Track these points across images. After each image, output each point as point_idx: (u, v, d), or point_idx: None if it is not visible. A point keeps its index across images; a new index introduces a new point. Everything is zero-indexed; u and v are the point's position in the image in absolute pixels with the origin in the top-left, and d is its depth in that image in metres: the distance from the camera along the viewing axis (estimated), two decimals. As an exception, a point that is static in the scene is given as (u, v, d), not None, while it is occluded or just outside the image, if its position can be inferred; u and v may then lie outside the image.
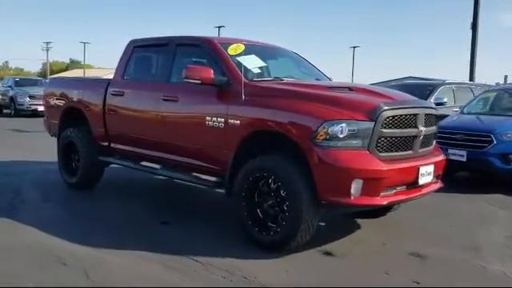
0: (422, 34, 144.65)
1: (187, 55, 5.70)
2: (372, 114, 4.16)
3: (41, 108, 21.19)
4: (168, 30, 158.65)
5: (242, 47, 5.11)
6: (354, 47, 55.39)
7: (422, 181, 4.51)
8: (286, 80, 5.17)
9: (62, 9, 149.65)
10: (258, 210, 4.56)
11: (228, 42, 5.31)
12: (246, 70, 4.96)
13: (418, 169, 4.45)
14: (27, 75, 66.70)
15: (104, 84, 6.30)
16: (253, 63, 5.14)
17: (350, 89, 4.73)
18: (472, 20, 13.63)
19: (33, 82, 23.60)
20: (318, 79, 5.71)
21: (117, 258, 4.16)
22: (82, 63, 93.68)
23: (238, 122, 4.65)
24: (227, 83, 4.87)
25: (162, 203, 6.33)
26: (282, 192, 4.35)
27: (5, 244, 4.49)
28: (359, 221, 5.43)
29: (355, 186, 4.03)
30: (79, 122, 6.72)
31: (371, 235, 5.00)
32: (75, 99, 6.69)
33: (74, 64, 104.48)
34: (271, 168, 4.35)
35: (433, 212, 5.99)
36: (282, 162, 4.30)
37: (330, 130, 4.06)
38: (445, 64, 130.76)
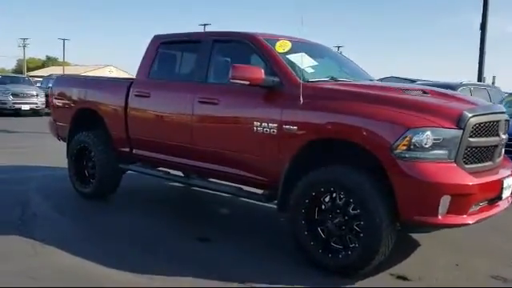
0: (408, 33, 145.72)
1: (227, 53, 5.12)
2: (460, 120, 3.66)
3: (25, 107, 20.48)
4: (148, 29, 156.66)
5: (289, 44, 4.58)
6: (338, 47, 55.15)
7: (504, 195, 4.04)
8: (344, 81, 4.64)
9: (37, 5, 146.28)
10: (319, 229, 4.02)
11: (272, 38, 4.76)
12: (299, 69, 4.41)
13: (502, 182, 3.97)
14: (1, 72, 64.77)
15: (125, 84, 5.68)
16: (304, 62, 4.60)
17: (424, 91, 4.22)
18: (481, 21, 13.34)
19: (15, 80, 22.63)
20: (371, 80, 5.19)
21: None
22: (59, 60, 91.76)
23: (296, 127, 4.10)
24: (279, 84, 4.32)
25: (191, 215, 5.73)
26: (351, 209, 3.82)
27: (31, 270, 3.86)
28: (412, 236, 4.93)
29: (443, 204, 3.53)
30: (94, 125, 6.09)
31: (437, 255, 4.51)
32: (91, 100, 6.05)
33: (50, 61, 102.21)
34: (341, 182, 3.81)
35: (488, 225, 5.51)
36: (355, 175, 3.76)
37: (414, 139, 3.54)
38: (430, 63, 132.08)
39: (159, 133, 5.28)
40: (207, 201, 6.44)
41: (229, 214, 5.85)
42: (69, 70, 66.16)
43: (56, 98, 6.63)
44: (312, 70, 4.60)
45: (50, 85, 21.21)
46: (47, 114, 20.76)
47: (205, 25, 43.92)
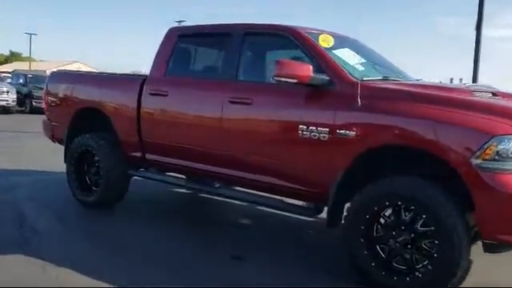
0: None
1: (261, 47, 4.61)
2: (548, 127, 3.24)
3: (-5, 104, 19.33)
4: (117, 25, 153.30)
5: (331, 38, 4.10)
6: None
7: None
8: (397, 80, 4.20)
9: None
10: (378, 248, 3.55)
11: (312, 32, 4.28)
12: (350, 66, 3.95)
13: None
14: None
15: (138, 81, 5.09)
16: (352, 59, 4.13)
17: (494, 93, 3.81)
18: (477, 21, 13.18)
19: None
20: (418, 79, 4.75)
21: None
22: (23, 55, 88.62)
23: (354, 133, 3.61)
24: (329, 83, 3.83)
25: (212, 227, 5.17)
26: (419, 225, 3.37)
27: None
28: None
29: (533, 221, 3.11)
30: (99, 127, 5.48)
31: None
32: (95, 99, 5.42)
33: (14, 56, 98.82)
34: (413, 195, 3.34)
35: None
36: (429, 188, 3.31)
37: (500, 147, 3.11)
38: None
39: (179, 136, 4.72)
40: (220, 209, 5.90)
41: (251, 225, 5.34)
42: (35, 66, 63.91)
43: (52, 96, 5.97)
44: (362, 68, 4.14)
45: (21, 81, 20.39)
46: (18, 112, 20.03)
47: (180, 21, 42.92)
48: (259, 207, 5.26)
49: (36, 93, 20.64)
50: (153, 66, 5.04)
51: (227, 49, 4.53)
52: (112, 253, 4.22)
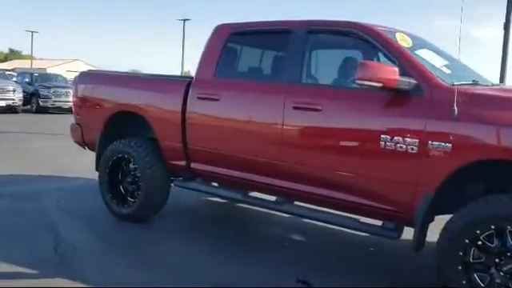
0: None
1: (328, 47, 4.20)
2: None
3: (1, 103, 18.81)
4: (117, 23, 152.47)
5: (409, 38, 3.66)
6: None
7: None
8: (486, 85, 3.76)
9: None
10: (476, 276, 3.12)
11: (388, 30, 3.83)
12: (436, 69, 3.51)
13: None
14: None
15: (182, 84, 4.65)
16: (435, 61, 3.68)
17: None
18: (505, 20, 12.78)
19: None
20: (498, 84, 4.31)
21: None
22: (23, 53, 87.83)
23: (449, 145, 3.17)
24: (416, 88, 3.38)
25: (262, 242, 4.72)
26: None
27: None
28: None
29: None
30: (137, 132, 5.04)
31: None
32: (133, 102, 4.97)
33: (13, 54, 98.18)
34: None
35: None
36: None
37: None
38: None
39: (231, 144, 4.28)
40: (263, 220, 5.45)
41: (307, 242, 4.89)
42: (35, 64, 63.30)
43: (82, 98, 5.51)
44: (448, 71, 3.68)
45: (27, 79, 19.88)
46: (25, 112, 19.53)
47: (185, 20, 42.51)
48: (305, 220, 4.79)
49: (43, 92, 20.20)
50: (199, 67, 4.59)
51: (288, 48, 4.08)
52: (157, 272, 3.80)
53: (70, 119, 16.03)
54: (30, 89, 20.61)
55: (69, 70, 52.94)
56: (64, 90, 20.64)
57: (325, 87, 3.92)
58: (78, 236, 4.59)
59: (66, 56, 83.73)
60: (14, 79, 21.77)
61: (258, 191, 4.36)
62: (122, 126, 5.20)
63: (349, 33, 3.86)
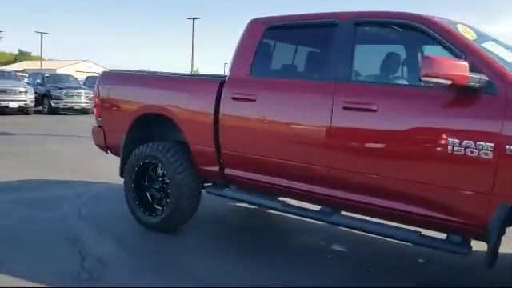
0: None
1: (380, 41, 3.81)
2: None
3: (12, 104, 18.54)
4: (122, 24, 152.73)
5: (471, 30, 3.28)
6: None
7: None
8: None
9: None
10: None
11: (449, 21, 3.45)
12: (508, 64, 3.13)
13: None
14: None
15: (215, 83, 4.29)
16: (504, 54, 3.30)
17: None
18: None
19: (0, 75, 20.68)
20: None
21: None
22: (33, 54, 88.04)
23: (533, 150, 2.79)
24: (489, 85, 3.00)
25: (302, 253, 4.35)
26: None
27: None
28: None
29: None
30: (165, 136, 4.73)
31: None
32: (161, 103, 4.63)
33: (23, 55, 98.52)
34: None
35: None
36: None
37: None
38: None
39: (271, 149, 3.92)
40: (296, 228, 5.09)
41: (348, 253, 4.52)
42: (44, 65, 63.27)
43: (105, 99, 5.17)
44: (520, 66, 3.29)
45: (39, 80, 19.63)
46: (36, 113, 19.30)
47: (194, 18, 42.18)
48: (343, 229, 4.42)
49: (54, 93, 19.98)
50: (233, 66, 4.24)
51: (334, 43, 3.72)
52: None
53: (83, 120, 15.94)
54: (42, 90, 20.41)
55: (78, 71, 52.86)
56: (76, 91, 20.45)
57: (380, 85, 3.55)
58: (104, 248, 4.26)
59: (75, 57, 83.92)
60: (26, 80, 21.54)
61: (300, 200, 4.00)
62: (148, 129, 4.87)
63: (403, 25, 3.49)
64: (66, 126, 15.35)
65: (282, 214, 4.80)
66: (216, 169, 4.32)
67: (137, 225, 4.84)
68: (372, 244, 4.55)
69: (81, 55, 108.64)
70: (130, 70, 5.51)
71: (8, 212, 5.16)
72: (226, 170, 4.27)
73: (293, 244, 4.65)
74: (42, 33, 55.57)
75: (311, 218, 3.92)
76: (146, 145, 4.70)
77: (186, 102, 4.44)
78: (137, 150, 4.76)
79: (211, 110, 4.22)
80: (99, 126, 5.27)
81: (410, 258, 4.32)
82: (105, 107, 5.15)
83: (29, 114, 18.82)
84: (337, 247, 4.55)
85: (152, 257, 4.14)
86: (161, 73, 5.19)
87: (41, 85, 20.92)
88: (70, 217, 5.14)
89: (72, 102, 20.19)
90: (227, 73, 4.33)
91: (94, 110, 5.32)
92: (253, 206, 5.52)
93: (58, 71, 46.31)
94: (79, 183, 6.71)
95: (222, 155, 4.24)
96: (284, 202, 4.06)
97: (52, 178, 7.00)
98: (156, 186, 4.73)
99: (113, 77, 5.36)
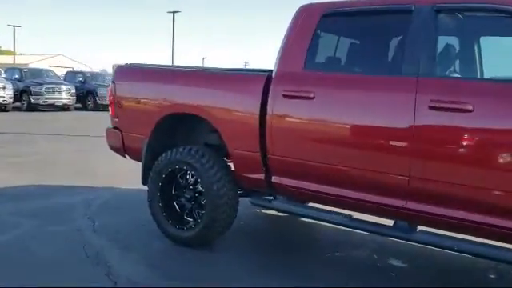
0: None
1: (469, 30, 3.30)
2: None
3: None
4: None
5: None
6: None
7: None
8: None
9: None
10: None
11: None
12: None
13: None
14: None
15: (259, 79, 3.76)
16: None
17: None
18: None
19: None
20: None
21: None
22: (3, 49, 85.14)
23: None
24: None
25: (360, 268, 3.87)
26: None
27: None
28: None
29: None
30: (191, 138, 4.19)
31: None
32: (193, 102, 4.09)
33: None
34: None
35: None
36: None
37: None
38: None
39: (333, 155, 3.41)
40: (342, 239, 4.61)
41: (409, 268, 4.04)
42: (16, 60, 61.25)
43: (123, 97, 4.57)
44: None
45: (16, 76, 18.65)
46: (15, 110, 18.35)
47: (174, 12, 41.18)
48: (396, 240, 3.96)
49: (34, 88, 19.09)
50: (281, 58, 3.71)
51: (411, 32, 3.22)
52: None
53: (66, 118, 15.15)
54: (20, 85, 19.51)
55: (52, 66, 51.31)
56: (57, 87, 19.59)
57: (476, 81, 3.08)
58: (133, 269, 3.72)
59: (47, 51, 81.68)
60: (3, 75, 20.51)
61: (366, 213, 3.50)
62: (177, 132, 4.33)
63: (499, 10, 3.00)
64: (53, 124, 14.60)
65: (316, 222, 4.32)
66: (261, 176, 3.79)
67: (162, 238, 4.29)
68: (431, 257, 4.09)
69: (53, 50, 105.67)
70: (152, 64, 4.90)
71: (11, 226, 4.54)
72: (274, 178, 3.75)
73: (344, 259, 4.15)
74: (14, 26, 53.56)
75: (383, 234, 3.43)
76: (175, 149, 4.14)
77: (226, 101, 3.90)
78: (164, 154, 4.20)
79: (256, 110, 3.69)
80: (116, 128, 4.67)
81: (478, 273, 3.87)
82: (123, 106, 4.56)
83: (7, 111, 17.96)
84: (394, 262, 4.07)
85: (191, 279, 3.60)
86: (193, 67, 4.61)
87: (19, 80, 19.98)
88: (84, 230, 4.56)
89: (53, 98, 19.35)
90: (273, 66, 3.78)
91: (110, 109, 4.71)
92: (282, 214, 5.01)
93: (31, 66, 44.78)
94: (84, 189, 6.10)
95: (269, 161, 3.71)
96: (350, 216, 3.54)
97: (53, 182, 6.37)
98: (186, 195, 4.18)
99: (133, 72, 4.76)
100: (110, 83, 4.71)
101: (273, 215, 5.18)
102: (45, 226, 4.60)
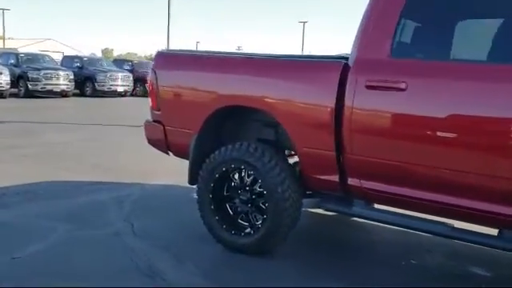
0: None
1: None
2: None
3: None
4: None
5: None
6: (304, 22, 53.13)
7: None
8: None
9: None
10: None
11: None
12: None
13: None
14: None
15: (335, 67, 3.29)
16: None
17: None
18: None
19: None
20: None
21: None
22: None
23: None
24: None
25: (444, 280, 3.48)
26: None
27: None
28: None
29: None
30: (243, 134, 3.86)
31: None
32: (253, 94, 3.64)
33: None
34: None
35: None
36: None
37: None
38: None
39: (439, 156, 2.95)
40: (416, 248, 4.21)
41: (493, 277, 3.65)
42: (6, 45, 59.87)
43: (166, 88, 4.10)
44: None
45: (12, 61, 17.95)
46: (12, 96, 17.67)
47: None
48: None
49: (32, 74, 18.43)
50: (360, 43, 3.26)
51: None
52: None
53: (67, 105, 14.59)
54: (17, 71, 18.85)
55: (43, 50, 50.24)
56: (55, 72, 18.95)
57: None
58: (190, 280, 3.30)
59: (37, 36, 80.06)
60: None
61: (467, 221, 3.08)
62: (232, 127, 3.88)
63: None
64: (53, 112, 14.06)
65: (366, 222, 3.92)
66: (334, 178, 3.36)
67: (212, 243, 3.87)
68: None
69: (41, 35, 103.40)
70: (204, 50, 4.42)
71: (44, 231, 4.09)
72: (351, 180, 3.32)
73: (418, 267, 3.74)
74: (3, 9, 52.22)
75: (488, 245, 3.02)
76: (230, 146, 3.69)
77: (294, 92, 3.46)
78: (217, 152, 3.74)
79: (331, 103, 3.24)
80: (157, 121, 4.21)
81: None
82: (167, 98, 4.10)
83: (4, 98, 17.33)
84: (477, 270, 3.67)
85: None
86: (252, 53, 4.13)
87: (15, 65, 19.29)
88: (124, 234, 4.12)
89: (51, 85, 18.73)
90: (350, 52, 3.33)
91: (150, 100, 4.24)
92: (331, 213, 4.59)
93: (21, 50, 43.76)
94: (110, 185, 5.65)
95: (346, 161, 3.28)
96: (452, 225, 3.12)
97: (74, 177, 5.92)
98: (242, 197, 3.74)
99: (178, 59, 4.28)
100: (150, 71, 4.22)
101: (319, 214, 4.75)
102: (79, 230, 4.16)
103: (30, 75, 18.34)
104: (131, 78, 21.80)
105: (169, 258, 3.67)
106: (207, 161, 3.81)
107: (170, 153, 4.29)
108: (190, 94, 3.99)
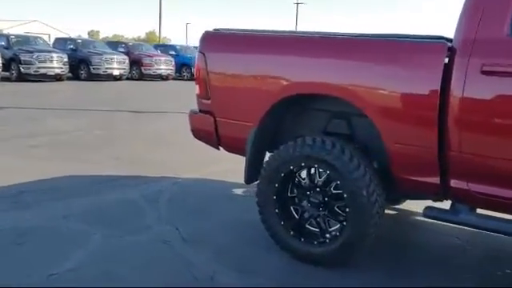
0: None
1: None
2: None
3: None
4: None
5: None
6: (298, 3, 52.31)
7: None
8: None
9: None
10: None
11: None
12: None
13: None
14: None
15: (438, 49, 2.77)
16: None
17: None
18: None
19: None
20: None
21: None
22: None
23: None
24: None
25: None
26: None
27: None
28: None
29: None
30: (309, 126, 3.39)
31: None
32: (332, 80, 3.10)
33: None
34: None
35: None
36: None
37: None
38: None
39: None
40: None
41: None
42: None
43: (218, 74, 3.54)
44: None
45: (3, 43, 17.15)
46: (4, 80, 16.85)
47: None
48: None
49: (24, 57, 17.61)
50: (468, 20, 2.72)
51: None
52: None
53: (62, 88, 13.94)
54: (8, 53, 17.98)
55: (28, 32, 48.81)
56: (48, 55, 18.13)
57: None
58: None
59: (19, 17, 77.98)
60: (-12, 43, 18.91)
61: None
62: (301, 119, 3.36)
63: None
64: (50, 97, 13.40)
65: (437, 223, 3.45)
66: (434, 180, 2.86)
67: (274, 250, 3.38)
68: None
69: (25, 16, 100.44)
70: (263, 30, 3.85)
71: (77, 238, 3.56)
72: (455, 183, 2.81)
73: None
74: (-13, -10, 50.43)
75: None
76: (299, 141, 3.16)
77: (385, 79, 2.91)
78: (283, 148, 3.22)
79: (434, 91, 2.72)
80: (206, 112, 3.65)
81: None
82: (219, 85, 3.54)
83: (-3, 82, 16.51)
84: None
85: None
86: (327, 33, 3.57)
87: (6, 48, 18.42)
88: (171, 241, 3.60)
89: (45, 68, 17.94)
90: (455, 30, 2.80)
91: (197, 87, 3.68)
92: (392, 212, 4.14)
93: (5, 32, 42.39)
94: (136, 179, 5.11)
95: (451, 159, 2.78)
96: None
97: (93, 171, 5.37)
98: (313, 200, 3.22)
99: (234, 39, 3.70)
100: (197, 54, 3.66)
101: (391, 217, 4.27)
102: (119, 235, 3.63)
103: (22, 58, 17.52)
104: (127, 61, 21.03)
105: (231, 270, 3.16)
106: (270, 158, 3.29)
107: (225, 148, 3.74)
108: (249, 81, 3.44)
